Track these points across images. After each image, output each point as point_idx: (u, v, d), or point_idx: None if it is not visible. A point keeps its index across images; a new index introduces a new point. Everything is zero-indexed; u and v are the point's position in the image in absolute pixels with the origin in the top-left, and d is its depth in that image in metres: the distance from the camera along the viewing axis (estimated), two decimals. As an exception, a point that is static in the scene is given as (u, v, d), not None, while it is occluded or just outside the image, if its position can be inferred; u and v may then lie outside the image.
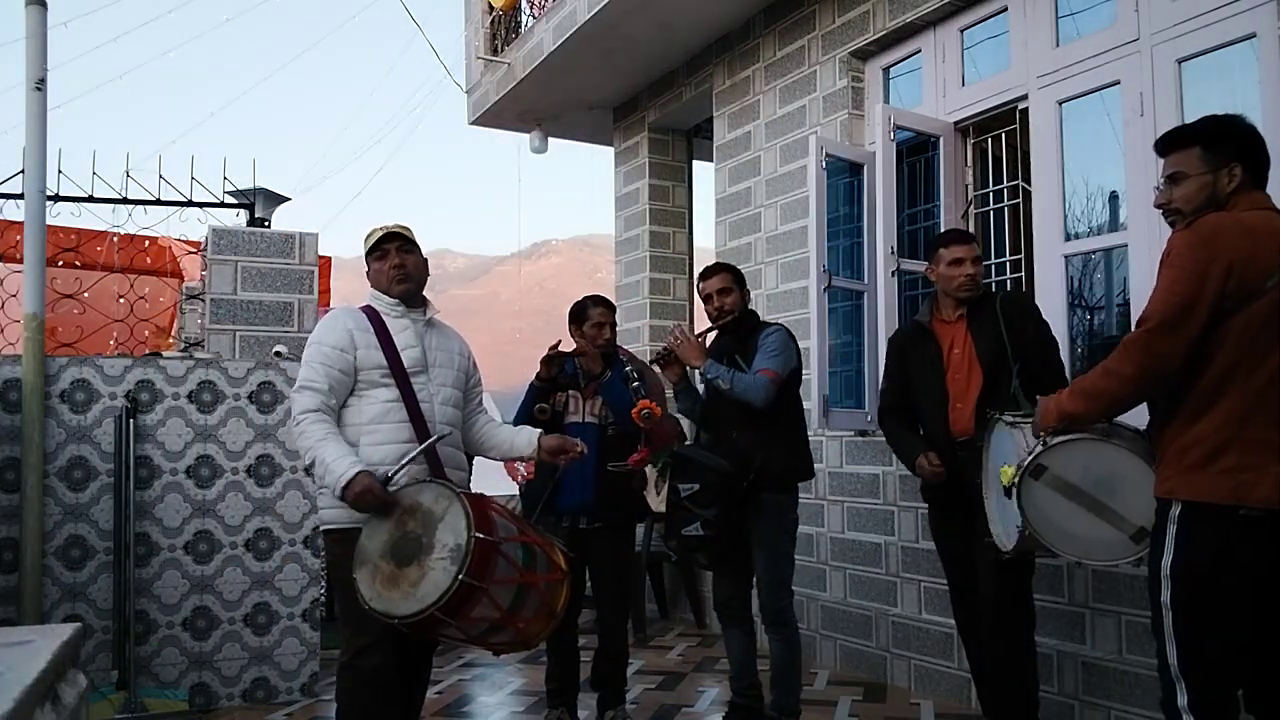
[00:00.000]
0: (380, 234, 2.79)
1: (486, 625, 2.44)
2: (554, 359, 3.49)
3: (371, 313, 2.76)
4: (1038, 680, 3.18)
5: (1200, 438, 2.08)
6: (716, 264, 3.63)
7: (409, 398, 2.66)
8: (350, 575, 2.45)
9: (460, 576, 2.26)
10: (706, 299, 3.50)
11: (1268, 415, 2.04)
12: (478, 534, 2.31)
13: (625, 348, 3.89)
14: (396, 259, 2.77)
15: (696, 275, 3.71)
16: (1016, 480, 2.52)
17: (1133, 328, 2.21)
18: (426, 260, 2.87)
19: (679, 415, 3.77)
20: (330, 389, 2.61)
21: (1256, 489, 2.02)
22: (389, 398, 2.66)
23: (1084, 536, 2.50)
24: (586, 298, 3.73)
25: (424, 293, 2.87)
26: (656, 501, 3.82)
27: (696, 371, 3.49)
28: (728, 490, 3.23)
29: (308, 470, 2.56)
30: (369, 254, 2.81)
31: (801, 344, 4.70)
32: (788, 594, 3.40)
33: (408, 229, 2.84)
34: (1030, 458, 2.51)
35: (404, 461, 2.54)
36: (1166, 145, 2.29)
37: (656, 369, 3.59)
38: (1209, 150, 2.19)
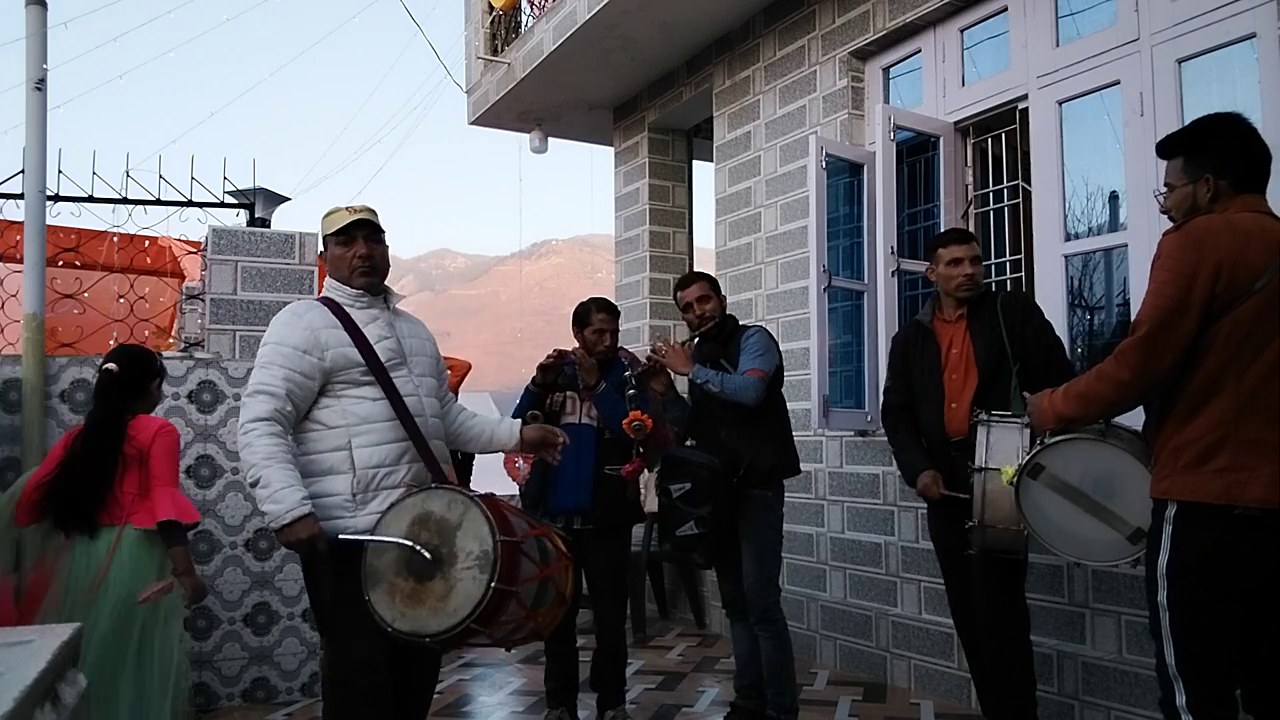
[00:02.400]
0: (349, 218, 2.53)
1: (513, 625, 2.36)
2: (550, 368, 3.51)
3: (333, 306, 2.52)
4: (1035, 680, 3.18)
5: (1193, 438, 2.10)
6: (692, 273, 3.71)
7: (392, 393, 2.46)
8: (348, 590, 2.30)
9: (493, 584, 2.16)
10: (686, 307, 3.55)
11: (1260, 415, 2.05)
12: (503, 538, 2.21)
13: (629, 349, 3.89)
14: (363, 248, 2.53)
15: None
16: (1015, 480, 2.53)
17: (1129, 331, 2.23)
18: (389, 249, 2.64)
19: (672, 424, 3.78)
20: (288, 394, 2.37)
21: (1250, 488, 2.03)
22: (374, 395, 2.45)
23: (1082, 536, 2.51)
24: (590, 301, 3.73)
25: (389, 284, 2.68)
26: (652, 504, 3.82)
27: (681, 380, 3.51)
28: (719, 486, 3.25)
29: (253, 485, 2.34)
30: (331, 236, 2.55)
31: (801, 344, 4.74)
32: (774, 591, 3.42)
33: (374, 212, 2.60)
34: (1029, 457, 2.52)
35: (363, 538, 2.30)
36: (1160, 153, 2.35)
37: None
38: (1189, 161, 2.24)
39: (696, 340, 3.57)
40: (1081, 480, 2.47)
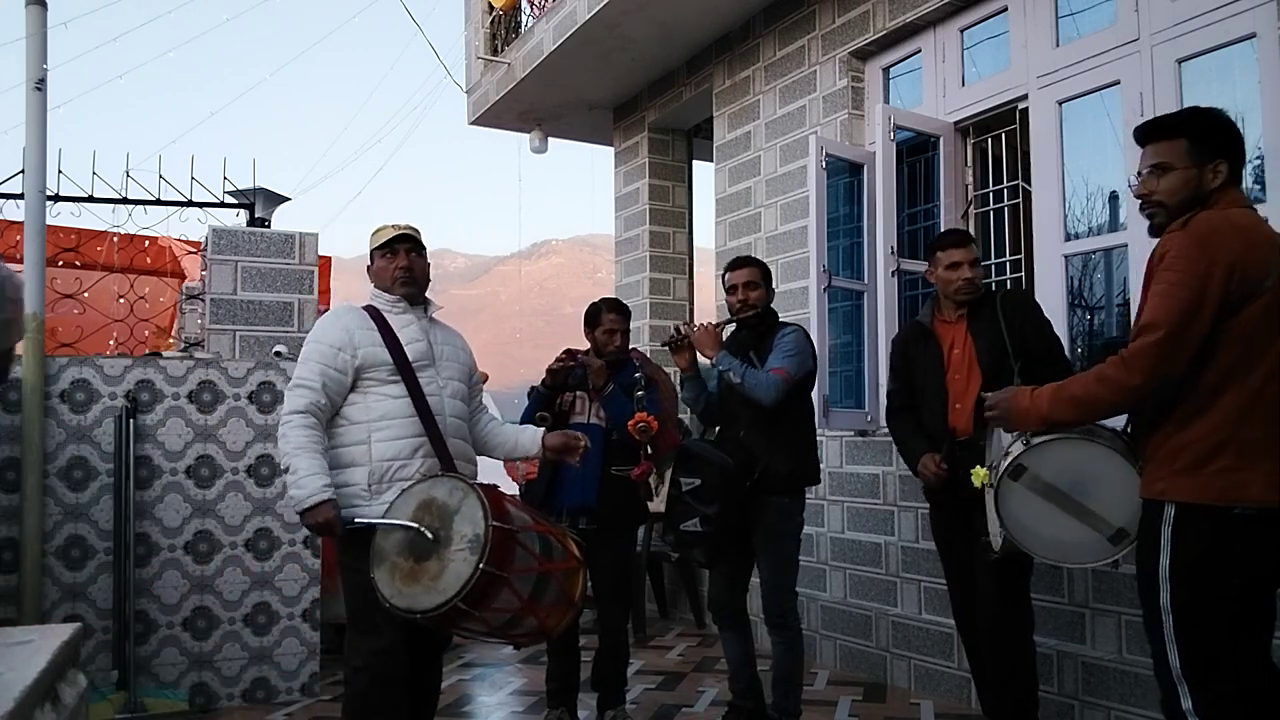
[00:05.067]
0: (393, 233, 2.80)
1: (508, 616, 2.43)
2: (559, 371, 3.51)
3: (373, 311, 2.77)
4: (1037, 680, 3.18)
5: (1195, 439, 2.08)
6: (747, 257, 3.59)
7: (416, 393, 2.67)
8: (367, 576, 2.43)
9: (481, 565, 2.26)
10: (731, 289, 3.45)
11: (1260, 414, 2.04)
12: (495, 523, 2.30)
13: (639, 350, 3.88)
14: (404, 260, 2.79)
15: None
16: (995, 482, 2.49)
17: (1129, 333, 2.20)
18: (429, 264, 2.90)
19: (685, 404, 3.74)
20: (324, 388, 2.62)
21: (1249, 488, 2.02)
22: (397, 394, 2.66)
23: (1060, 539, 2.46)
24: (601, 301, 3.72)
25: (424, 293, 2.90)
26: (657, 503, 3.82)
27: (708, 362, 3.46)
28: (730, 487, 3.22)
29: (284, 471, 2.59)
30: (377, 249, 2.83)
31: (801, 344, 4.72)
32: (791, 597, 3.39)
33: (417, 230, 2.86)
34: (1010, 459, 2.47)
35: (372, 521, 2.49)
36: (1149, 134, 2.26)
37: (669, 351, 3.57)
38: (1195, 144, 2.17)
39: (734, 327, 3.50)
40: (1063, 481, 2.41)
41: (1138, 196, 2.28)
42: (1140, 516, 2.23)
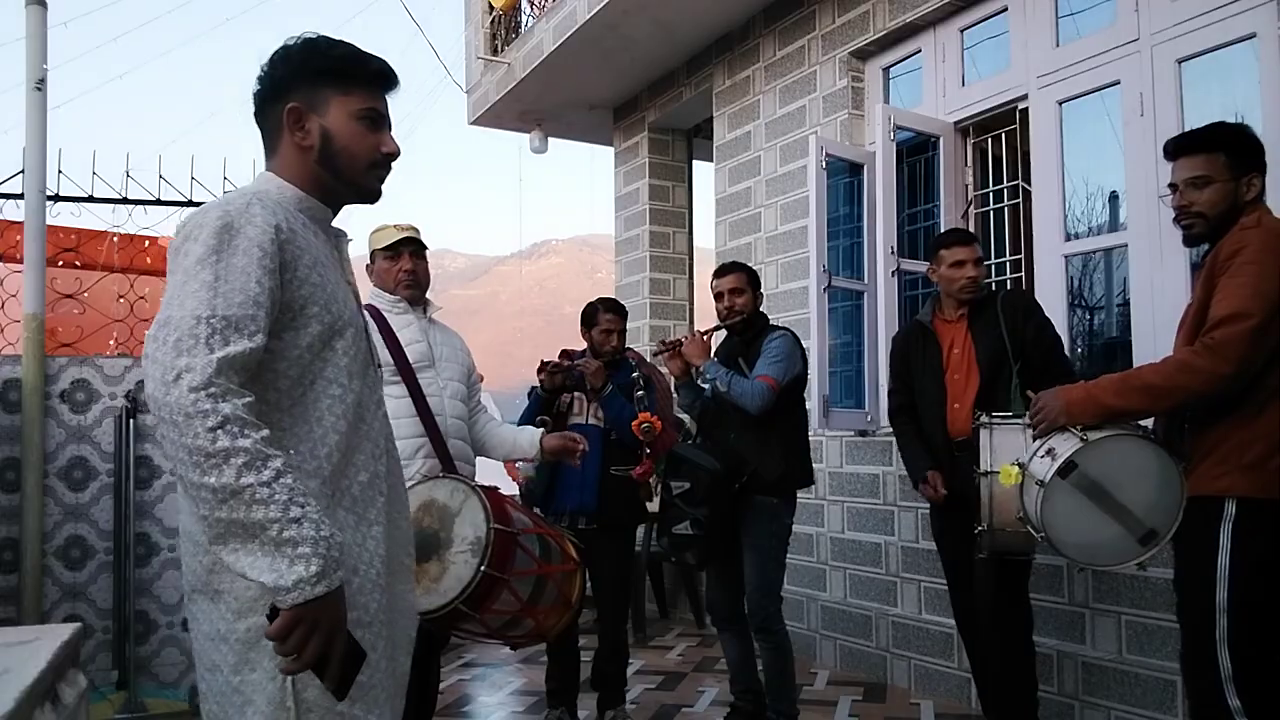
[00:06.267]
0: (396, 235, 2.80)
1: (507, 617, 2.43)
2: (555, 373, 3.51)
3: (373, 310, 2.77)
4: (1037, 680, 3.18)
5: (1262, 434, 2.08)
6: (732, 263, 3.58)
7: (416, 394, 2.67)
8: None
9: (483, 568, 2.27)
10: (718, 296, 3.47)
11: None
12: (496, 525, 2.31)
13: (636, 350, 3.88)
14: (409, 264, 2.80)
15: (709, 274, 3.67)
16: (1044, 479, 2.43)
17: (1216, 324, 2.18)
18: (428, 264, 2.90)
19: (682, 410, 3.75)
20: None
21: None
22: (398, 394, 2.65)
23: (1090, 540, 2.40)
24: (598, 301, 3.73)
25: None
26: (656, 503, 3.82)
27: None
28: (718, 490, 3.22)
29: None
30: (379, 250, 2.83)
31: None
32: (775, 600, 3.37)
33: (418, 231, 2.86)
34: (1057, 457, 2.43)
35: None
36: (1183, 148, 2.31)
37: (661, 359, 3.58)
38: (1233, 158, 2.23)
39: (723, 333, 3.51)
40: (1108, 478, 2.34)
41: (1176, 208, 2.32)
42: (1184, 516, 2.21)
